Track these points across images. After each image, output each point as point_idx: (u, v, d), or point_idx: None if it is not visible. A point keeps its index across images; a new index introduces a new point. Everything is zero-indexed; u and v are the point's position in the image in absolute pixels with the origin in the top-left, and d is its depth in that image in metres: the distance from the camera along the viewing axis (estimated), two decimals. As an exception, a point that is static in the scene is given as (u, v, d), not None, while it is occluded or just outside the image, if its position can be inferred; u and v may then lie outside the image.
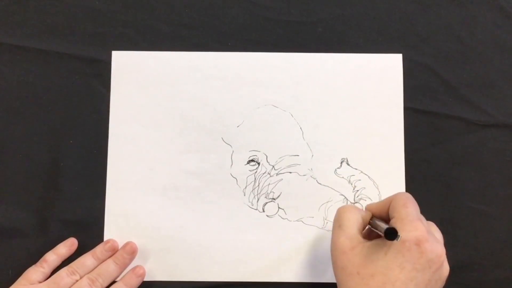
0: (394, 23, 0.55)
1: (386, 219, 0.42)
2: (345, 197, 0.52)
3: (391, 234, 0.36)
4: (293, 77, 0.54)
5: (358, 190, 0.52)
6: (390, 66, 0.54)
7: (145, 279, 0.51)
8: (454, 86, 0.54)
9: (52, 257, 0.50)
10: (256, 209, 0.52)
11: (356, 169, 0.52)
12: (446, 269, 0.40)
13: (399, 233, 0.36)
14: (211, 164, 0.52)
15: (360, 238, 0.40)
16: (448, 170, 0.53)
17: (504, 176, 0.53)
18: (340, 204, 0.52)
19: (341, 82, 0.54)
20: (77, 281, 0.48)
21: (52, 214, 0.52)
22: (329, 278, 0.51)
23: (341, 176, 0.52)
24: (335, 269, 0.40)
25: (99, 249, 0.50)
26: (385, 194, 0.52)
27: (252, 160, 0.53)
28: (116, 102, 0.53)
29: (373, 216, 0.44)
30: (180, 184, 0.52)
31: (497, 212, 0.52)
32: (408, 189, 0.52)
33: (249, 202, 0.52)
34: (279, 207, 0.52)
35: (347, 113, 0.53)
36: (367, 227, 0.44)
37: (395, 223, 0.39)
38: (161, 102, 0.53)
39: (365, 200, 0.52)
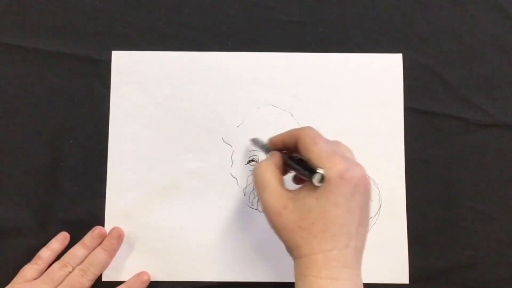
0: (394, 23, 0.55)
1: (294, 150, 0.42)
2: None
3: (320, 180, 0.37)
4: (293, 77, 0.54)
5: (358, 190, 0.52)
6: (390, 66, 0.54)
7: (145, 279, 0.51)
8: (454, 86, 0.54)
9: (46, 253, 0.50)
10: (256, 209, 0.52)
11: (356, 169, 0.52)
12: (368, 182, 0.40)
13: (324, 173, 0.37)
14: (211, 164, 0.52)
15: (288, 194, 0.40)
16: (448, 170, 0.53)
17: (504, 176, 0.53)
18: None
19: (341, 82, 0.54)
20: (70, 272, 0.49)
21: (52, 214, 0.52)
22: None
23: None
24: (275, 229, 0.40)
25: (87, 238, 0.50)
26: (385, 194, 0.52)
27: (252, 160, 0.53)
28: (116, 102, 0.53)
29: (284, 156, 0.43)
30: (180, 184, 0.52)
31: (497, 212, 0.52)
32: (408, 189, 0.52)
33: (249, 202, 0.52)
34: (279, 207, 0.52)
35: (347, 113, 0.53)
36: (292, 174, 0.44)
37: (313, 166, 0.39)
38: (161, 102, 0.53)
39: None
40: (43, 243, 0.51)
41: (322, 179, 0.37)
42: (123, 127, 0.53)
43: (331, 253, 0.37)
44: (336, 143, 0.42)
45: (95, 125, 0.53)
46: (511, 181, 0.53)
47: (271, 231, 0.52)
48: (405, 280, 0.51)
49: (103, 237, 0.51)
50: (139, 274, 0.51)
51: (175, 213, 0.52)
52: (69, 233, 0.51)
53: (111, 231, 0.51)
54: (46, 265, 0.50)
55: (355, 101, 0.53)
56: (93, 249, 0.50)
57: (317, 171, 0.37)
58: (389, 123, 0.53)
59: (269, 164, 0.42)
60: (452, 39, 0.55)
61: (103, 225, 0.52)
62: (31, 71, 0.54)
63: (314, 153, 0.39)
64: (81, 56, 0.54)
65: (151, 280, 0.51)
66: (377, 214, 0.52)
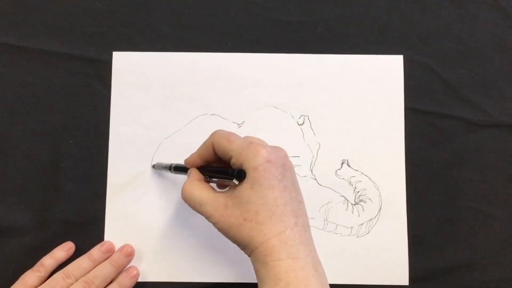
0: (394, 23, 0.55)
1: (214, 161, 0.43)
2: (346, 198, 0.52)
3: (239, 176, 0.38)
4: (294, 78, 0.54)
5: (358, 192, 0.52)
6: (391, 67, 0.54)
7: (145, 280, 0.51)
8: (454, 86, 0.54)
9: (49, 261, 0.49)
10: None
11: (356, 170, 0.52)
12: (290, 161, 0.41)
13: (243, 168, 0.38)
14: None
15: (223, 194, 0.40)
16: (448, 170, 0.53)
17: (504, 176, 0.53)
18: (341, 206, 0.52)
19: (342, 83, 0.54)
20: (72, 284, 0.47)
21: (52, 214, 0.52)
22: (329, 279, 0.51)
23: (342, 177, 0.52)
24: (224, 232, 0.40)
25: (95, 251, 0.50)
26: (386, 195, 0.52)
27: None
28: (117, 102, 0.53)
29: (203, 173, 0.44)
30: (181, 184, 0.52)
31: (497, 212, 0.52)
32: (408, 189, 0.52)
33: (249, 202, 0.52)
34: (279, 208, 0.52)
35: (348, 114, 0.53)
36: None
37: (237, 161, 0.39)
38: (161, 103, 0.53)
39: (365, 202, 0.52)
40: (43, 243, 0.51)
41: (243, 174, 0.38)
42: (123, 127, 0.53)
43: (284, 234, 0.38)
44: (249, 136, 0.43)
45: (95, 125, 0.53)
46: (511, 181, 0.53)
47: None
48: (405, 281, 0.51)
49: (110, 252, 0.50)
50: (128, 269, 0.50)
51: (175, 213, 0.52)
52: (69, 233, 0.51)
53: (122, 247, 0.51)
54: (48, 273, 0.49)
55: (356, 102, 0.53)
56: (99, 263, 0.49)
57: (234, 169, 0.38)
58: (389, 125, 0.53)
59: (192, 181, 0.43)
60: (452, 39, 0.55)
61: (103, 225, 0.52)
62: (31, 71, 0.53)
63: (233, 150, 0.40)
64: (81, 56, 0.54)
65: (151, 280, 0.51)
66: (377, 215, 0.52)
